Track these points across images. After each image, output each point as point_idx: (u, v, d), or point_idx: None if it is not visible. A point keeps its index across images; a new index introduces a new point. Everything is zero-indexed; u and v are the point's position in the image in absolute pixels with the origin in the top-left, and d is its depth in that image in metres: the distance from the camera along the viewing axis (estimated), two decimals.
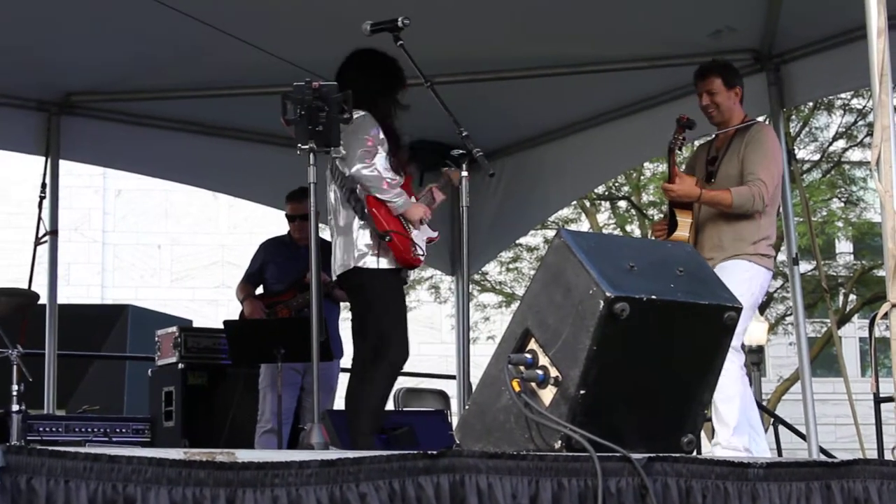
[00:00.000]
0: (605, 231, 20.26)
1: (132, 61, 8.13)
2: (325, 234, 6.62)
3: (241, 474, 3.36)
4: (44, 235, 8.65)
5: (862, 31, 5.10)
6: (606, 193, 20.59)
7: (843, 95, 18.67)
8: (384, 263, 6.25)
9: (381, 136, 6.29)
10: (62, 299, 9.12)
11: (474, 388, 4.74)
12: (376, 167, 6.20)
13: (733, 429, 6.10)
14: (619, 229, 20.71)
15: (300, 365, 7.76)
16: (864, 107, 19.02)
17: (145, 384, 8.94)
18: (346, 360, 7.12)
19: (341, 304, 8.08)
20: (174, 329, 8.67)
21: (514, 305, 17.00)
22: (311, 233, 5.45)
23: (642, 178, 20.06)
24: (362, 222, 6.24)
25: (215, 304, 22.76)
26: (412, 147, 8.65)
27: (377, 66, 6.39)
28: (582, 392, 4.21)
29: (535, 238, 20.42)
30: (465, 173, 6.03)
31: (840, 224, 20.88)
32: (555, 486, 3.85)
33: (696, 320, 4.44)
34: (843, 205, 21.10)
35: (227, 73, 8.31)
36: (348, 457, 3.56)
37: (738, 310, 4.54)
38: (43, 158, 8.75)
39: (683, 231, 6.42)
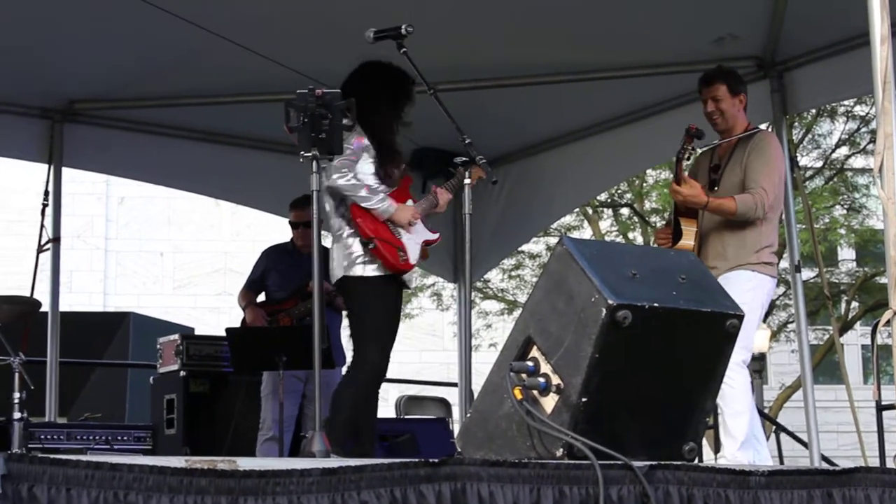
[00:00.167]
0: (607, 238, 20.25)
1: (135, 69, 8.14)
2: (329, 241, 6.63)
3: (242, 482, 3.36)
4: (46, 243, 8.66)
5: (865, 38, 5.09)
6: (609, 200, 20.58)
7: (845, 102, 18.65)
8: (371, 270, 6.25)
9: (366, 142, 6.28)
10: (64, 307, 9.13)
11: (476, 395, 4.74)
12: (354, 176, 6.20)
13: (741, 443, 6.09)
14: (621, 236, 20.71)
15: (302, 373, 7.75)
16: (867, 114, 19.01)
17: (147, 392, 8.93)
18: None
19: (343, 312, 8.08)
20: (176, 336, 8.68)
21: (517, 313, 16.98)
22: (314, 240, 5.45)
23: (645, 185, 20.05)
24: (351, 230, 6.26)
25: (217, 312, 22.76)
26: (416, 154, 8.69)
27: (384, 78, 6.39)
28: (584, 400, 4.21)
29: (537, 245, 20.42)
30: (468, 180, 6.04)
31: (842, 231, 20.87)
32: (556, 494, 3.85)
33: (698, 328, 4.44)
34: (845, 212, 21.09)
35: (231, 80, 8.32)
36: (350, 465, 3.56)
37: (740, 317, 4.53)
38: (46, 166, 8.76)
39: (688, 240, 6.41)
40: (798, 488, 4.31)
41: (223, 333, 8.16)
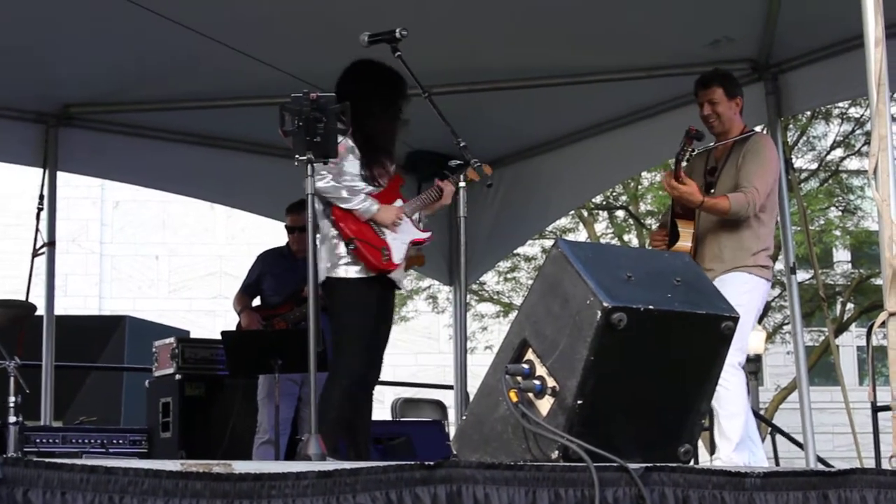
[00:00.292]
0: (602, 240, 20.26)
1: (130, 72, 8.14)
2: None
3: (237, 486, 3.36)
4: (41, 247, 8.65)
5: (859, 40, 5.09)
6: (604, 203, 20.60)
7: (840, 104, 18.69)
8: (353, 272, 6.26)
9: (350, 143, 6.28)
10: (59, 310, 9.12)
11: (472, 398, 4.74)
12: (333, 178, 6.20)
13: (735, 445, 6.10)
14: (616, 239, 20.72)
15: (298, 376, 7.75)
16: (862, 116, 19.04)
17: (142, 395, 8.93)
18: None
19: None
20: (172, 340, 8.67)
21: (512, 315, 17.01)
22: (309, 244, 5.45)
23: (640, 187, 20.08)
24: (336, 232, 6.26)
25: (213, 315, 22.76)
26: (410, 158, 8.69)
27: (375, 78, 6.38)
28: (579, 402, 4.21)
29: (532, 248, 20.44)
30: (463, 184, 6.04)
31: (838, 233, 20.90)
32: (552, 497, 3.84)
33: (693, 330, 4.44)
34: (840, 213, 21.12)
35: (225, 84, 8.32)
36: (345, 468, 3.55)
37: (735, 319, 4.54)
38: (41, 170, 8.75)
39: (686, 241, 6.42)
40: (794, 490, 4.31)
41: (219, 337, 8.16)
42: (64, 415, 10.04)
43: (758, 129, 7.33)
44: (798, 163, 19.58)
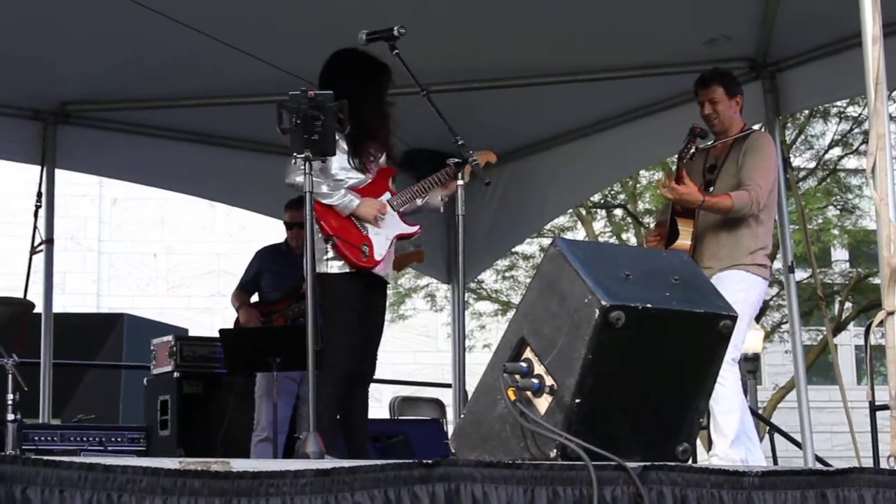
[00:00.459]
0: (600, 239, 20.27)
1: (128, 70, 8.14)
2: None
3: (236, 483, 3.36)
4: (39, 244, 8.65)
5: (857, 39, 5.10)
6: (602, 201, 20.60)
7: (838, 103, 18.69)
8: (336, 268, 6.23)
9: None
10: (58, 308, 9.12)
11: (470, 396, 4.74)
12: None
13: (731, 441, 6.11)
14: (614, 237, 20.72)
15: (296, 374, 7.75)
16: (860, 115, 19.04)
17: (141, 393, 8.93)
18: None
19: None
20: (170, 338, 8.67)
21: (510, 314, 16.99)
22: (307, 241, 5.44)
23: (638, 186, 20.08)
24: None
25: (211, 313, 22.76)
26: (407, 156, 8.68)
27: (357, 67, 6.35)
28: (577, 401, 4.21)
29: (531, 246, 20.43)
30: (461, 182, 6.04)
31: (836, 232, 20.91)
32: (550, 495, 3.84)
33: (691, 329, 4.44)
34: (838, 213, 21.12)
35: (223, 82, 8.32)
36: (343, 466, 3.55)
37: (734, 318, 4.54)
38: (38, 167, 8.75)
39: (685, 240, 6.41)
40: (792, 489, 4.31)
41: (217, 335, 8.15)
42: (62, 412, 10.04)
43: (756, 127, 7.33)
44: (796, 162, 19.58)
